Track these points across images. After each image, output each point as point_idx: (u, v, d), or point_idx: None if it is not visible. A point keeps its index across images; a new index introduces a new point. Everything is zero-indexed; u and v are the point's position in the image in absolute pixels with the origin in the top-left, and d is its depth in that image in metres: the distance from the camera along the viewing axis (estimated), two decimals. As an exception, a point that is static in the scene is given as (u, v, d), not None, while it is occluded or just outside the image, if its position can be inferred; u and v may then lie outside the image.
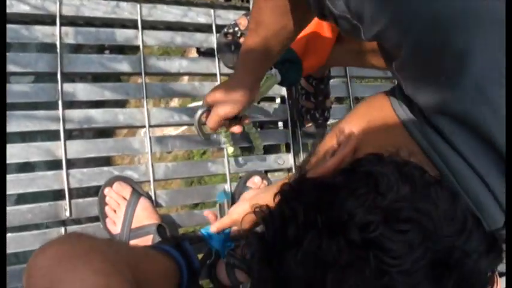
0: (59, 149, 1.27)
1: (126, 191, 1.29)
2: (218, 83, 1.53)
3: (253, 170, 1.52)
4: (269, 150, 1.65)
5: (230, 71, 1.56)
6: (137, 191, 1.31)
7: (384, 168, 0.52)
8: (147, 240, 1.24)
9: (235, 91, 1.09)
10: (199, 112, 1.19)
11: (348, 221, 0.49)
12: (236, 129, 1.21)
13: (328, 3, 0.57)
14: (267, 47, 0.99)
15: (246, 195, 1.20)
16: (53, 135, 1.29)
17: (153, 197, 1.36)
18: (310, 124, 1.62)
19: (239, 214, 1.16)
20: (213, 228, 1.21)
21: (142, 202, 1.29)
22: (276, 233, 0.55)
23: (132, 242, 1.24)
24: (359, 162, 0.56)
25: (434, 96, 0.53)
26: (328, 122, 1.67)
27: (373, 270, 0.47)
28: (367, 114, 0.67)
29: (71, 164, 1.29)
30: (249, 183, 1.47)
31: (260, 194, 1.17)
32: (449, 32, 0.48)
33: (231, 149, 1.47)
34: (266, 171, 1.60)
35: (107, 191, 1.27)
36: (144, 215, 1.27)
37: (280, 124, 1.68)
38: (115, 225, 1.26)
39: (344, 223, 0.49)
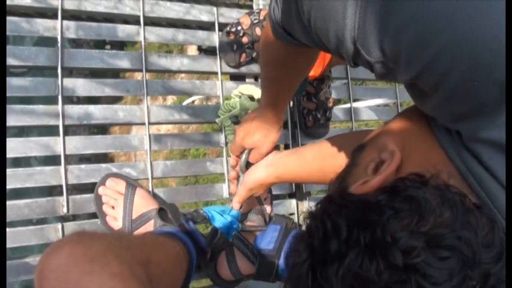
0: (57, 144, 1.26)
1: (121, 185, 1.28)
2: (219, 81, 1.52)
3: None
4: (268, 150, 1.64)
5: (231, 70, 1.55)
6: (131, 183, 1.30)
7: (427, 193, 0.52)
8: (148, 226, 1.25)
9: (269, 131, 1.20)
10: (244, 156, 1.26)
11: (391, 244, 0.50)
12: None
13: (363, 52, 0.56)
14: (285, 94, 1.14)
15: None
16: (51, 131, 1.28)
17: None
18: (312, 124, 1.62)
19: (255, 181, 1.16)
20: (235, 205, 1.25)
21: (139, 192, 1.29)
22: (319, 245, 0.56)
23: (136, 233, 1.24)
24: (402, 182, 0.56)
25: (472, 126, 0.53)
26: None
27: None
28: (407, 130, 0.66)
29: (69, 159, 1.28)
30: None
31: (276, 159, 1.16)
32: (495, 66, 0.47)
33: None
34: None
35: (101, 190, 1.27)
36: (142, 204, 1.27)
37: (280, 124, 1.67)
38: (116, 220, 1.25)
39: (387, 245, 0.50)
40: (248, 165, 1.27)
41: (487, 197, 0.54)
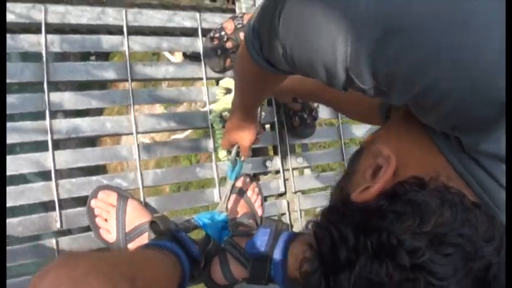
0: (47, 159, 1.27)
1: (112, 197, 1.30)
2: (205, 87, 1.53)
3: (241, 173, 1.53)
4: (257, 152, 1.66)
5: (216, 75, 1.56)
6: (123, 194, 1.32)
7: (426, 195, 0.56)
8: (143, 239, 1.26)
9: (247, 128, 1.26)
10: (234, 150, 1.35)
11: (397, 246, 0.53)
12: (259, 138, 1.37)
13: (357, 81, 0.58)
14: (258, 100, 1.18)
15: None
16: (40, 146, 1.29)
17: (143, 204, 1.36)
18: (298, 125, 1.64)
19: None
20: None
21: (131, 203, 1.30)
22: (328, 254, 0.59)
23: (130, 245, 1.26)
24: (402, 187, 0.59)
25: (470, 139, 0.56)
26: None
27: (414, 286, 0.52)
28: (402, 133, 0.69)
29: (60, 173, 1.30)
30: (238, 184, 1.49)
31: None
32: (493, 89, 0.50)
33: (222, 153, 1.49)
34: (254, 174, 1.61)
35: (93, 203, 1.28)
36: (135, 216, 1.29)
37: (267, 126, 1.69)
38: (110, 233, 1.27)
39: (393, 248, 0.53)
40: (238, 156, 1.36)
41: (487, 196, 0.58)
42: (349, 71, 0.58)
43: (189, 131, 1.49)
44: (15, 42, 1.30)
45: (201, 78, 1.55)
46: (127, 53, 1.44)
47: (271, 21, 0.68)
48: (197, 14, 1.59)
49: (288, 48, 0.66)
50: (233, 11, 1.68)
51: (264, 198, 1.59)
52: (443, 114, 0.55)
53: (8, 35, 1.29)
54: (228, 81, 1.50)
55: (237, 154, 1.36)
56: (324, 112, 1.76)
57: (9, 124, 1.24)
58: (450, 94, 0.51)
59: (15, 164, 1.24)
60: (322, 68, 0.61)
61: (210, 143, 1.52)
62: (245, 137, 1.28)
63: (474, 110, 0.52)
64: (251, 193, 1.51)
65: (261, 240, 1.31)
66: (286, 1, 0.64)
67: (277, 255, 1.27)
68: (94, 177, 1.33)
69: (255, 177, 1.60)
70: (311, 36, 0.60)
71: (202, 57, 1.55)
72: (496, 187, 0.57)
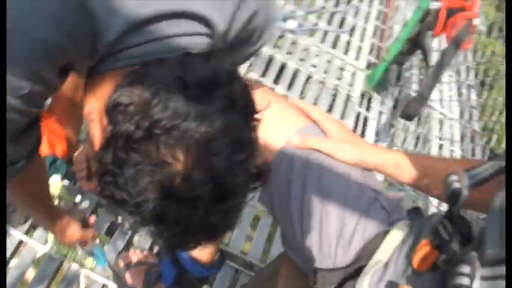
0: None
1: None
2: (25, 250, 1.59)
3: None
4: (110, 231, 1.72)
5: (25, 226, 1.62)
6: None
7: (114, 95, 0.64)
8: None
9: (65, 227, 1.31)
10: (80, 250, 1.45)
11: (128, 138, 0.59)
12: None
13: (24, 91, 0.65)
14: (46, 197, 1.17)
15: None
16: None
17: None
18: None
19: None
20: None
21: None
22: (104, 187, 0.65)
23: None
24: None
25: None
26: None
27: (163, 137, 0.58)
28: (88, 89, 0.78)
29: None
30: (121, 265, 1.52)
31: None
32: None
33: (89, 261, 1.57)
34: (128, 242, 1.69)
35: None
36: None
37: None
38: None
39: (127, 137, 0.60)
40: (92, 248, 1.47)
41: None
42: (31, 77, 0.65)
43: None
44: None
45: (22, 241, 1.60)
46: None
47: None
48: None
49: None
50: None
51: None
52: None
53: None
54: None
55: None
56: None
57: None
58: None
59: None
60: (17, 115, 0.68)
61: (73, 266, 1.58)
62: (73, 233, 1.34)
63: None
64: (134, 254, 1.53)
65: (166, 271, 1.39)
66: None
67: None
68: None
69: (129, 243, 1.69)
70: None
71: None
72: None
